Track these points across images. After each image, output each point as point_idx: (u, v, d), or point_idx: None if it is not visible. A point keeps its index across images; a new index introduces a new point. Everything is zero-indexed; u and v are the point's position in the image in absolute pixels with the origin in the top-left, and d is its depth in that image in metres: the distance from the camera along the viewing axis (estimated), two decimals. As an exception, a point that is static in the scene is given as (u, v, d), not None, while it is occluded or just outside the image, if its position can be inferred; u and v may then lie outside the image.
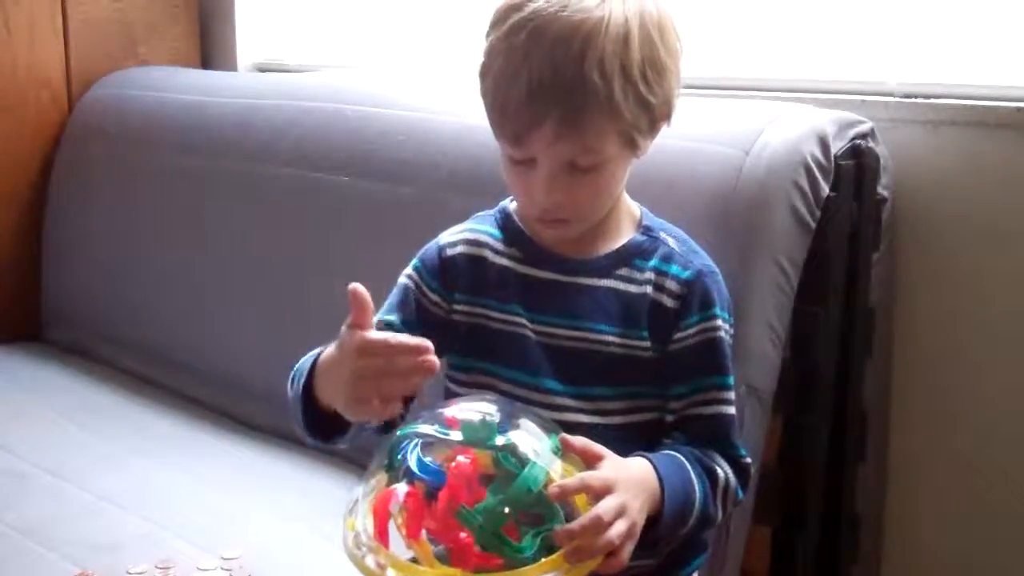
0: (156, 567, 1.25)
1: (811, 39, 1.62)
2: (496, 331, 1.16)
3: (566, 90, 1.02)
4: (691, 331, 1.13)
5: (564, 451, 0.98)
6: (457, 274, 1.17)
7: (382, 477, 0.97)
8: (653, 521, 1.02)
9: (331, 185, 1.73)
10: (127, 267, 2.09)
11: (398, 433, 0.98)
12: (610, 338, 1.13)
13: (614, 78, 1.02)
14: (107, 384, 1.98)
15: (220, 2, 2.37)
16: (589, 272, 1.14)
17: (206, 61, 2.41)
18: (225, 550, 1.30)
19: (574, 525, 0.93)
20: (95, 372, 2.04)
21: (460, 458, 0.94)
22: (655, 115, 1.08)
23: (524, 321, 1.14)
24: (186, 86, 2.12)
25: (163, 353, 1.98)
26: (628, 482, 0.99)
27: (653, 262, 1.14)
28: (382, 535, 0.94)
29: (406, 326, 1.15)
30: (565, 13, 1.02)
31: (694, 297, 1.13)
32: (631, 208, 1.18)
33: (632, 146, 1.09)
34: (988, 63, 1.46)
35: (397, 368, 0.96)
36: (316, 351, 1.08)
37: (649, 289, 1.13)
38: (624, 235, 1.16)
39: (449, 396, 1.18)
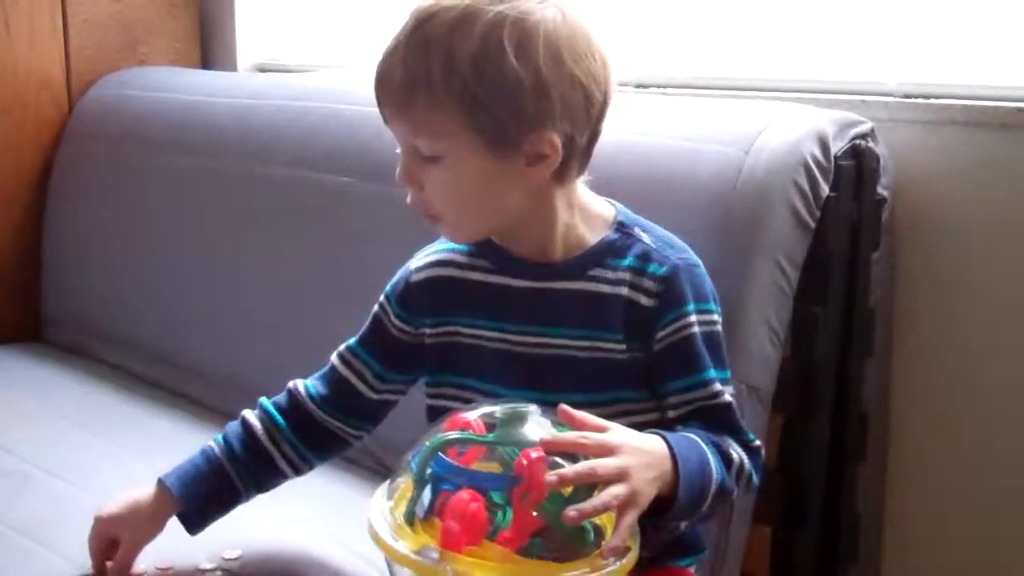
0: (156, 567, 1.25)
1: (811, 39, 1.62)
2: (465, 346, 1.15)
3: (391, 70, 1.07)
4: (668, 329, 1.10)
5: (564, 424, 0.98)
6: (422, 301, 1.18)
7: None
8: (671, 500, 1.00)
9: (331, 185, 1.73)
10: (127, 267, 2.09)
11: (429, 443, 0.97)
12: (578, 342, 1.11)
13: (434, 64, 1.04)
14: (107, 384, 1.97)
15: (220, 2, 2.37)
16: (560, 276, 1.12)
17: (206, 61, 2.41)
18: (225, 550, 1.30)
19: (568, 471, 0.93)
20: (95, 372, 2.03)
21: (533, 454, 0.93)
22: (505, 123, 1.04)
23: (493, 333, 1.14)
24: (186, 86, 2.12)
25: (163, 353, 1.98)
26: (634, 450, 0.97)
27: (628, 260, 1.12)
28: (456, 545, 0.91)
29: (372, 356, 1.21)
30: (421, 8, 1.08)
31: (671, 294, 1.10)
32: (599, 209, 1.15)
33: (494, 153, 1.06)
34: (988, 63, 1.46)
35: None
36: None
37: (624, 290, 1.11)
38: (595, 235, 1.13)
39: (430, 415, 1.18)
